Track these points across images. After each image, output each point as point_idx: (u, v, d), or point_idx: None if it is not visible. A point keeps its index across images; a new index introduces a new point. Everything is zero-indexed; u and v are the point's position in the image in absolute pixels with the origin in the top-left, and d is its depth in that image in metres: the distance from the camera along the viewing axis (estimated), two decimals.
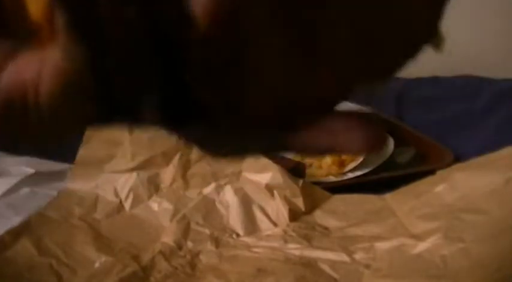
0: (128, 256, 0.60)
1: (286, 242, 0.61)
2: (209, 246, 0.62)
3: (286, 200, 0.65)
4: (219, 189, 0.68)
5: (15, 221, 0.65)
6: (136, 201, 0.69)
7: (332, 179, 0.76)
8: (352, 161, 0.78)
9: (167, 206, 0.68)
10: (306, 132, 0.21)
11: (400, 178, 0.72)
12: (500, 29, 1.20)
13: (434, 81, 1.16)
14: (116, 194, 0.70)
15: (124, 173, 0.71)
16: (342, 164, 0.78)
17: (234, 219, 0.65)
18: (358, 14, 0.19)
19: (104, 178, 0.71)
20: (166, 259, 0.59)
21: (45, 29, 0.18)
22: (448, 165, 0.71)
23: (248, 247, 0.61)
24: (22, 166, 0.74)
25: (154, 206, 0.68)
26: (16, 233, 0.63)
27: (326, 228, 0.63)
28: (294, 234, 0.62)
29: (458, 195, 0.61)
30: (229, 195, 0.67)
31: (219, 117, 0.19)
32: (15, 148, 0.29)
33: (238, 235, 0.63)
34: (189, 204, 0.67)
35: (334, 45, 0.19)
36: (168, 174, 0.70)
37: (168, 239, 0.62)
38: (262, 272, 0.57)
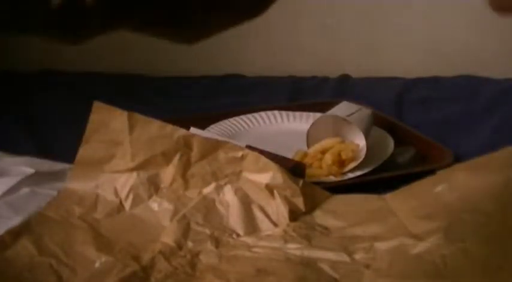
0: (128, 256, 0.60)
1: (286, 242, 0.61)
2: (209, 246, 0.62)
3: (286, 200, 0.65)
4: (219, 189, 0.68)
5: (15, 221, 0.65)
6: (136, 201, 0.69)
7: (332, 179, 0.76)
8: (352, 161, 0.78)
9: (167, 206, 0.68)
10: None
11: (400, 178, 0.72)
12: (500, 30, 1.20)
13: (434, 81, 1.16)
14: (116, 194, 0.70)
15: (124, 173, 0.71)
16: (342, 164, 0.78)
17: (234, 219, 0.65)
18: None
19: (104, 178, 0.71)
20: (166, 259, 0.59)
21: None
22: (448, 165, 0.71)
23: (248, 247, 0.61)
24: (22, 166, 0.74)
25: (154, 206, 0.68)
26: (16, 233, 0.62)
27: (326, 228, 0.63)
28: (294, 234, 0.62)
29: (458, 195, 0.62)
30: (229, 195, 0.67)
31: None
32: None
33: (238, 235, 0.63)
34: (189, 204, 0.67)
35: None
36: (168, 174, 0.70)
37: (168, 239, 0.62)
38: (262, 272, 0.57)
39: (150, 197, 0.69)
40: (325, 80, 1.21)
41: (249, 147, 0.71)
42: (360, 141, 0.80)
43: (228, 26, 0.27)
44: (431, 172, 0.67)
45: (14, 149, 0.81)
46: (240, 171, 0.69)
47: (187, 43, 0.27)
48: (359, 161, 0.78)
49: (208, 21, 0.26)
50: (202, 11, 0.26)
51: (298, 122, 0.94)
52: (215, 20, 0.26)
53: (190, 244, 0.62)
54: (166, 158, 0.70)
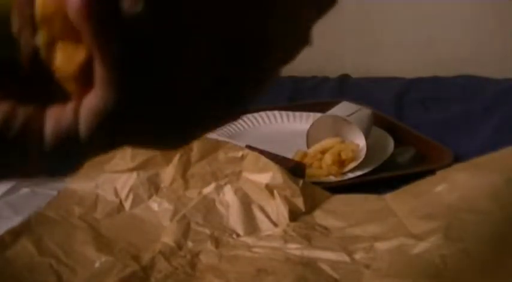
0: (128, 256, 0.60)
1: (286, 242, 0.61)
2: (209, 246, 0.62)
3: (286, 200, 0.65)
4: (219, 189, 0.68)
5: (15, 221, 0.65)
6: (136, 201, 0.69)
7: (332, 179, 0.76)
8: (352, 161, 0.78)
9: (167, 206, 0.68)
10: None
11: (400, 178, 0.72)
12: (500, 30, 1.20)
13: (434, 81, 1.16)
14: (116, 194, 0.70)
15: (124, 173, 0.71)
16: (342, 164, 0.78)
17: (234, 219, 0.65)
18: None
19: (104, 178, 0.71)
20: (166, 259, 0.59)
21: (79, 83, 0.24)
22: (448, 165, 0.71)
23: (248, 247, 0.61)
24: None
25: (154, 206, 0.68)
26: (16, 233, 0.63)
27: (326, 228, 0.63)
28: (294, 234, 0.62)
29: (458, 195, 0.62)
30: (229, 195, 0.67)
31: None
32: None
33: (238, 235, 0.63)
34: (189, 204, 0.67)
35: None
36: (168, 174, 0.70)
37: (168, 239, 0.62)
38: (262, 272, 0.57)
39: (150, 197, 0.69)
40: (325, 80, 1.21)
41: (249, 147, 0.71)
42: (360, 141, 0.80)
43: (213, 130, 0.28)
44: (431, 172, 0.67)
45: None
46: (240, 171, 0.69)
47: (175, 150, 0.28)
48: (359, 161, 0.78)
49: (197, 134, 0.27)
50: (191, 132, 0.27)
51: (298, 122, 0.94)
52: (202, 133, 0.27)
53: (190, 244, 0.62)
54: (166, 158, 0.70)
